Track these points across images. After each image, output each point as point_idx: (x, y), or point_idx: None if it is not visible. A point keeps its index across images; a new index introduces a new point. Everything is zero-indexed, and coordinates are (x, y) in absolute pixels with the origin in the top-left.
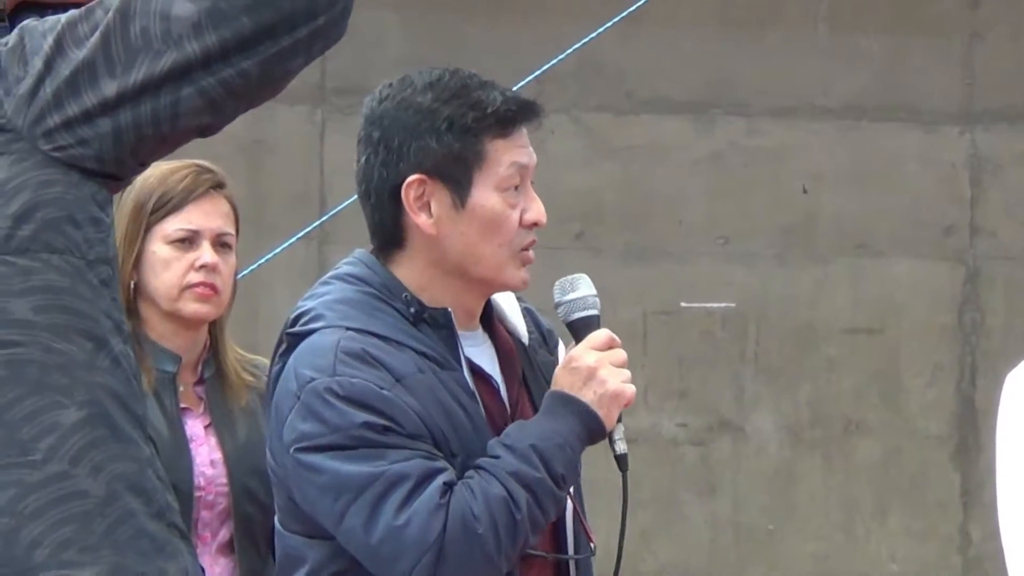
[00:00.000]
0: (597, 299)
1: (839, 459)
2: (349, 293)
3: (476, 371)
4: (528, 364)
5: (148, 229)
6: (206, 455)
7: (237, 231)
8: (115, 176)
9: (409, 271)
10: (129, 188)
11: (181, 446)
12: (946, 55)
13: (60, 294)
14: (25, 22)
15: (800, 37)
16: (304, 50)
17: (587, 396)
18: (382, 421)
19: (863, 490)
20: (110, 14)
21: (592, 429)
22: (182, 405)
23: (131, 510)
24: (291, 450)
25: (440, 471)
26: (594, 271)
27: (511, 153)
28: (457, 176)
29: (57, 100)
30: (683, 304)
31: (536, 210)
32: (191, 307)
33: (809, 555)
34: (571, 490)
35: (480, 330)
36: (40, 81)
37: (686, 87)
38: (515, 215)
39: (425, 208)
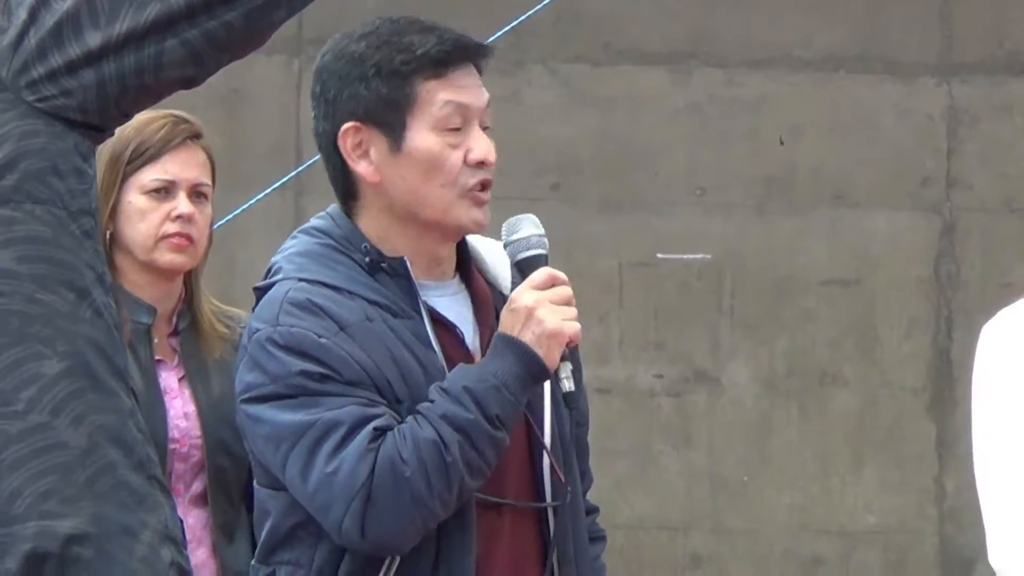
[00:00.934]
0: (543, 238)
1: (815, 411)
2: (310, 245)
3: (438, 319)
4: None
5: (124, 179)
6: (180, 407)
7: (213, 181)
8: (98, 127)
9: (368, 221)
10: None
11: (155, 398)
12: (923, 7)
13: (43, 244)
14: None
15: None
16: (287, 2)
17: (526, 336)
18: (320, 369)
19: (839, 442)
20: None
21: (533, 369)
22: (156, 357)
23: (112, 461)
24: (239, 401)
25: (373, 417)
26: (571, 222)
27: (447, 93)
28: (390, 120)
29: (41, 51)
30: (660, 255)
31: (481, 148)
32: (167, 257)
33: (785, 506)
34: (549, 438)
35: (455, 279)
36: (24, 32)
37: (664, 38)
38: (457, 155)
39: (365, 156)
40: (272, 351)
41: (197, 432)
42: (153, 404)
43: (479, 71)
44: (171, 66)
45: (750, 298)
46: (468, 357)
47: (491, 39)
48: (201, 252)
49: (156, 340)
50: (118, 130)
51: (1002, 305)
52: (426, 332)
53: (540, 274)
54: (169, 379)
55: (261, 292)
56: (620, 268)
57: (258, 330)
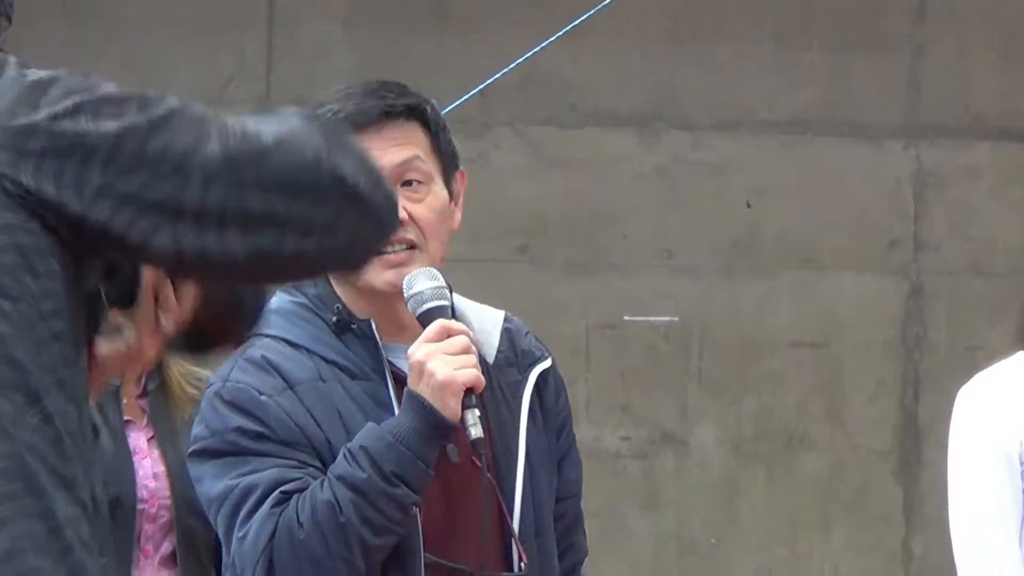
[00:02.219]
0: (440, 290)
1: (782, 473)
2: (284, 303)
3: (402, 381)
4: (488, 381)
5: None
6: (149, 468)
7: None
8: (71, 243)
9: (338, 284)
10: None
11: (124, 459)
12: (890, 70)
13: (3, 342)
14: (65, 74)
15: (745, 51)
16: (303, 266)
17: (423, 390)
18: (255, 427)
19: (806, 504)
20: (142, 115)
21: (431, 421)
22: (126, 418)
23: (34, 568)
24: (187, 454)
25: (288, 481)
26: (538, 284)
27: None
28: None
29: (42, 154)
30: (626, 318)
31: None
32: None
33: (752, 569)
34: (519, 504)
35: None
36: (34, 129)
37: (631, 100)
38: None
39: None
40: (216, 406)
41: (166, 493)
42: (122, 465)
43: (423, 125)
44: (155, 253)
45: (717, 360)
46: None
47: (459, 102)
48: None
49: (125, 401)
50: None
51: (969, 368)
52: (385, 394)
53: (432, 327)
54: (138, 440)
55: None
56: (587, 330)
57: (211, 384)
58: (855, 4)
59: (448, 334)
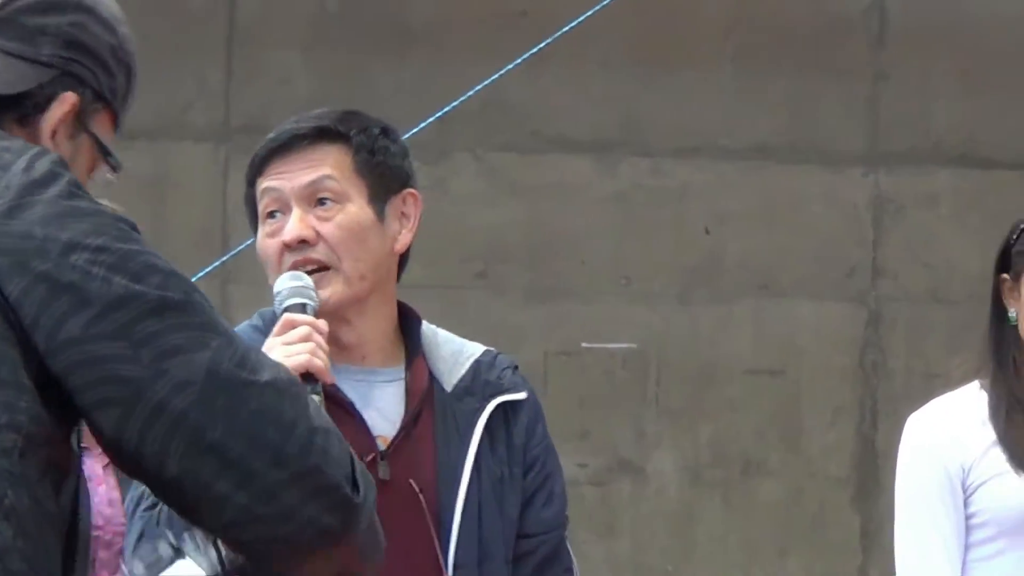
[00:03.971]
0: (299, 288)
1: (739, 500)
2: (243, 328)
3: (339, 402)
4: (442, 407)
5: None
6: (104, 494)
7: None
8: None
9: None
10: None
11: (80, 484)
12: (850, 96)
13: None
14: (109, 211)
15: (706, 78)
16: (232, 523)
17: None
18: None
19: (763, 531)
20: (156, 290)
21: None
22: (82, 444)
23: None
24: None
25: None
26: (497, 310)
27: (265, 181)
28: (250, 216)
29: (39, 278)
30: (584, 344)
31: (286, 230)
32: None
33: None
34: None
35: (395, 367)
36: (45, 252)
37: (590, 127)
38: (273, 242)
39: None
40: None
41: (121, 519)
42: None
43: (345, 147)
44: (96, 426)
45: (675, 387)
46: (365, 440)
47: (418, 128)
48: None
49: (81, 428)
50: None
51: (927, 395)
52: None
53: (279, 323)
54: (94, 466)
55: None
56: (545, 357)
57: None
58: (816, 31)
59: (292, 326)
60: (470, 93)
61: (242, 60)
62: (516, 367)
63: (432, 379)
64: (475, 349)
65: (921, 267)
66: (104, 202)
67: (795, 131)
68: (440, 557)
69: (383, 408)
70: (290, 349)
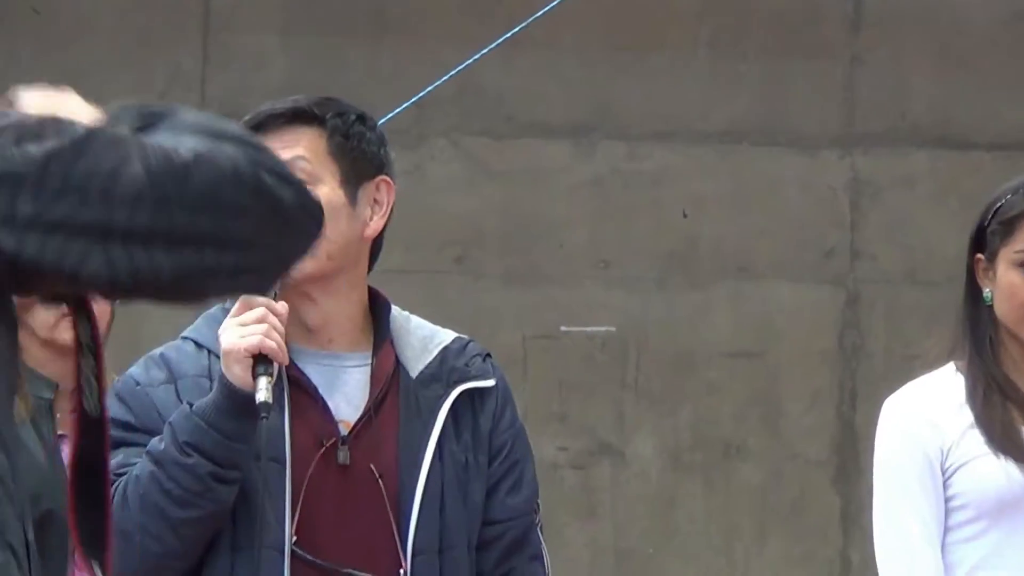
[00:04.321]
0: None
1: (719, 483)
2: (215, 308)
3: (303, 387)
4: (406, 393)
5: None
6: None
7: None
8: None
9: None
10: None
11: (58, 473)
12: (826, 79)
13: None
14: None
15: (681, 62)
16: (227, 279)
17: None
18: (125, 416)
19: (743, 514)
20: (65, 139)
21: (223, 391)
22: (59, 432)
23: None
24: None
25: (128, 465)
26: (474, 295)
27: None
28: None
29: None
30: (563, 328)
31: None
32: (67, 335)
33: None
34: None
35: (358, 353)
36: None
37: (567, 111)
38: None
39: None
40: (113, 398)
41: None
42: (56, 479)
43: (319, 129)
44: (88, 277)
45: (654, 371)
46: (331, 425)
47: (393, 114)
48: (103, 329)
49: (59, 415)
50: None
51: (906, 377)
52: (279, 395)
53: (236, 306)
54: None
55: None
56: (524, 341)
57: None
58: (791, 13)
59: (249, 307)
60: (445, 78)
61: (217, 45)
62: (488, 355)
63: (399, 365)
64: (446, 336)
65: (899, 249)
66: None
67: (771, 114)
68: (398, 543)
69: (348, 393)
70: (244, 330)
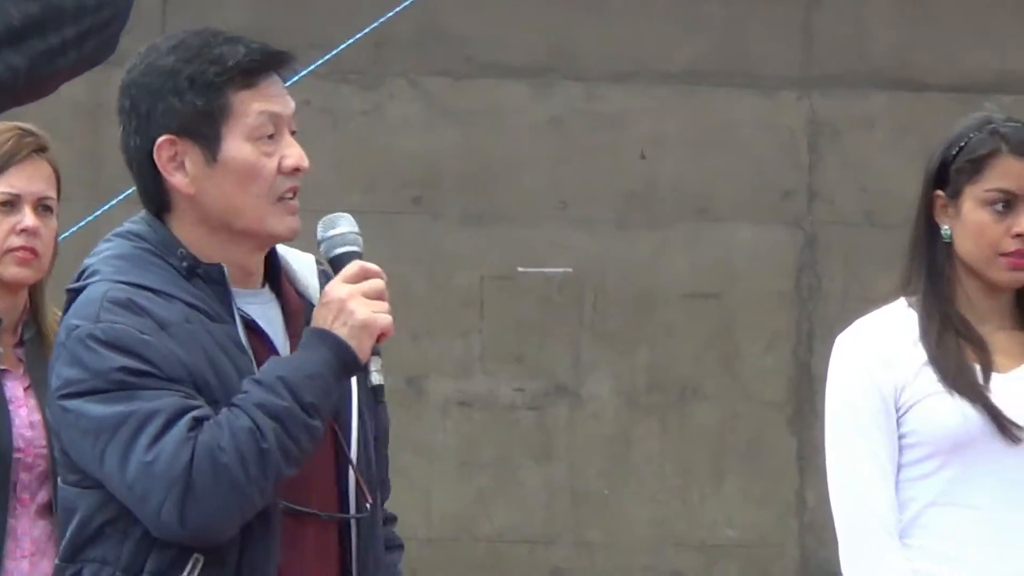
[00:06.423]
0: (358, 237)
1: (676, 424)
2: (126, 249)
3: (250, 325)
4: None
5: None
6: (25, 417)
7: (58, 194)
8: None
9: (181, 230)
10: None
11: (0, 408)
12: (785, 20)
13: None
14: None
15: (640, 2)
16: (73, 50)
17: (339, 328)
18: (140, 365)
19: (700, 455)
20: None
21: (345, 360)
22: (2, 367)
23: None
24: (56, 397)
25: (192, 408)
26: (432, 236)
27: (259, 102)
28: (205, 132)
29: None
30: (520, 269)
31: (294, 155)
32: (11, 271)
33: (646, 520)
34: (355, 448)
35: (266, 289)
36: None
37: (526, 52)
38: (271, 163)
39: (180, 168)
40: (93, 347)
41: (42, 442)
42: None
43: (283, 79)
44: None
45: (611, 312)
46: None
47: (344, 44)
48: (46, 265)
49: (1, 351)
50: None
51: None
52: (239, 337)
53: (352, 267)
54: (15, 388)
55: (74, 293)
56: (481, 281)
57: (77, 327)
58: None
59: (366, 276)
60: (398, 9)
61: None
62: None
63: (300, 296)
64: (310, 258)
65: (856, 190)
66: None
67: (729, 55)
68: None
69: (275, 330)
70: (375, 304)
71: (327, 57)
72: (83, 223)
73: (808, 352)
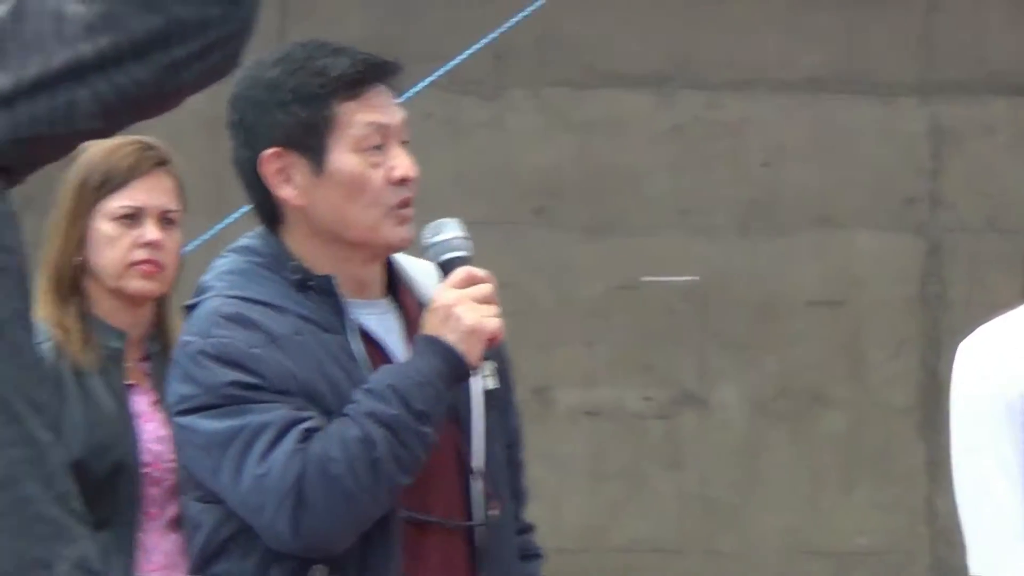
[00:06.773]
0: (466, 241)
1: (804, 432)
2: (238, 264)
3: (366, 335)
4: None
5: (92, 207)
6: (153, 432)
7: (184, 207)
8: (6, 170)
9: (294, 242)
10: (72, 166)
11: (127, 422)
12: (904, 27)
13: None
14: None
15: (760, 10)
16: (198, 63)
17: (447, 334)
18: (250, 379)
19: (829, 463)
20: (2, 16)
21: (455, 366)
22: (129, 381)
23: (28, 496)
24: (172, 414)
25: (302, 420)
26: (554, 247)
27: (364, 113)
28: (310, 143)
29: None
30: (645, 278)
31: (403, 165)
32: (135, 284)
33: (777, 529)
34: (479, 455)
35: (385, 299)
36: None
37: (646, 61)
38: (378, 173)
39: (288, 181)
40: (204, 362)
41: (170, 456)
42: (126, 428)
43: (393, 89)
44: (83, 118)
45: (736, 320)
46: None
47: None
48: (170, 278)
49: (128, 365)
50: (85, 157)
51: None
52: (351, 347)
53: (459, 273)
54: (141, 403)
55: (191, 309)
56: (606, 292)
57: (190, 343)
58: None
59: (474, 282)
60: (517, 19)
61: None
62: None
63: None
64: (429, 266)
65: (979, 196)
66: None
67: (850, 63)
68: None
69: (393, 339)
70: (483, 309)
71: (446, 68)
72: (206, 236)
73: (935, 358)
